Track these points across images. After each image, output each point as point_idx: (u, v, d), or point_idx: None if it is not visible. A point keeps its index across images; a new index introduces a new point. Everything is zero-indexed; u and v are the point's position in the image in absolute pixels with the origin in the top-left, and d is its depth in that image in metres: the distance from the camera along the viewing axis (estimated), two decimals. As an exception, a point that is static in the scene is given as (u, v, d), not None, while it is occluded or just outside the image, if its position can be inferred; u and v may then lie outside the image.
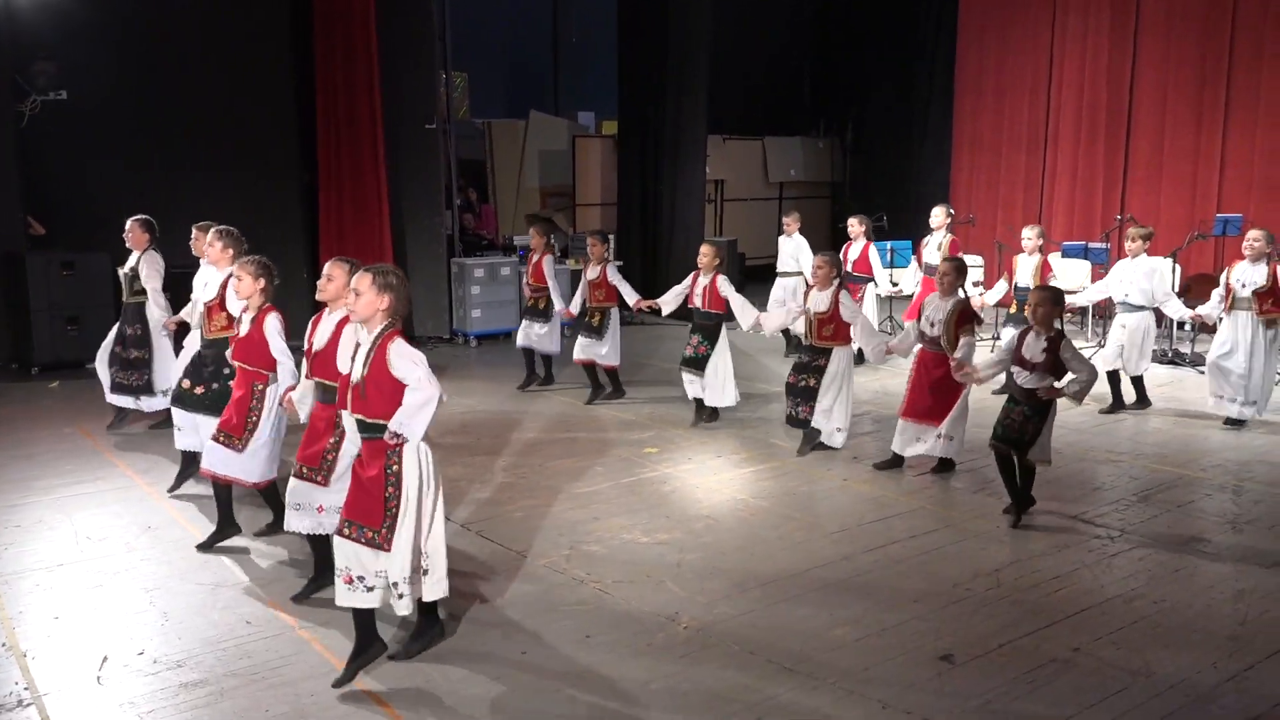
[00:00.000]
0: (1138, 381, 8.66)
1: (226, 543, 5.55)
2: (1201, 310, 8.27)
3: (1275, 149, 11.61)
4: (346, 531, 4.18)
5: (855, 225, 10.42)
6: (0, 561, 5.31)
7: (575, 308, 9.09)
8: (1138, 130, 12.78)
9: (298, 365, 5.21)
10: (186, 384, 6.18)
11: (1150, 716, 3.89)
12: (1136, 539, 5.69)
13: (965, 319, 6.59)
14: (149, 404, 7.73)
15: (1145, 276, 8.47)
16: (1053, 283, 8.90)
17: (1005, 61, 14.11)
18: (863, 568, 5.30)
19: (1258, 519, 6.04)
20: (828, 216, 16.98)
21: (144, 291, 7.54)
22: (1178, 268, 10.04)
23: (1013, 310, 8.93)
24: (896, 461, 7.00)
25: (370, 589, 4.21)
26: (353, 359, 4.28)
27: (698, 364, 8.10)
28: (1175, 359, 10.30)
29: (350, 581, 4.21)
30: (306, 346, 4.84)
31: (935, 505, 6.29)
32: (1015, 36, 13.97)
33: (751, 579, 5.14)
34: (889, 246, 10.85)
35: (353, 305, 4.20)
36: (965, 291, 6.77)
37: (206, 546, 5.52)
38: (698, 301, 8.10)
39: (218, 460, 5.37)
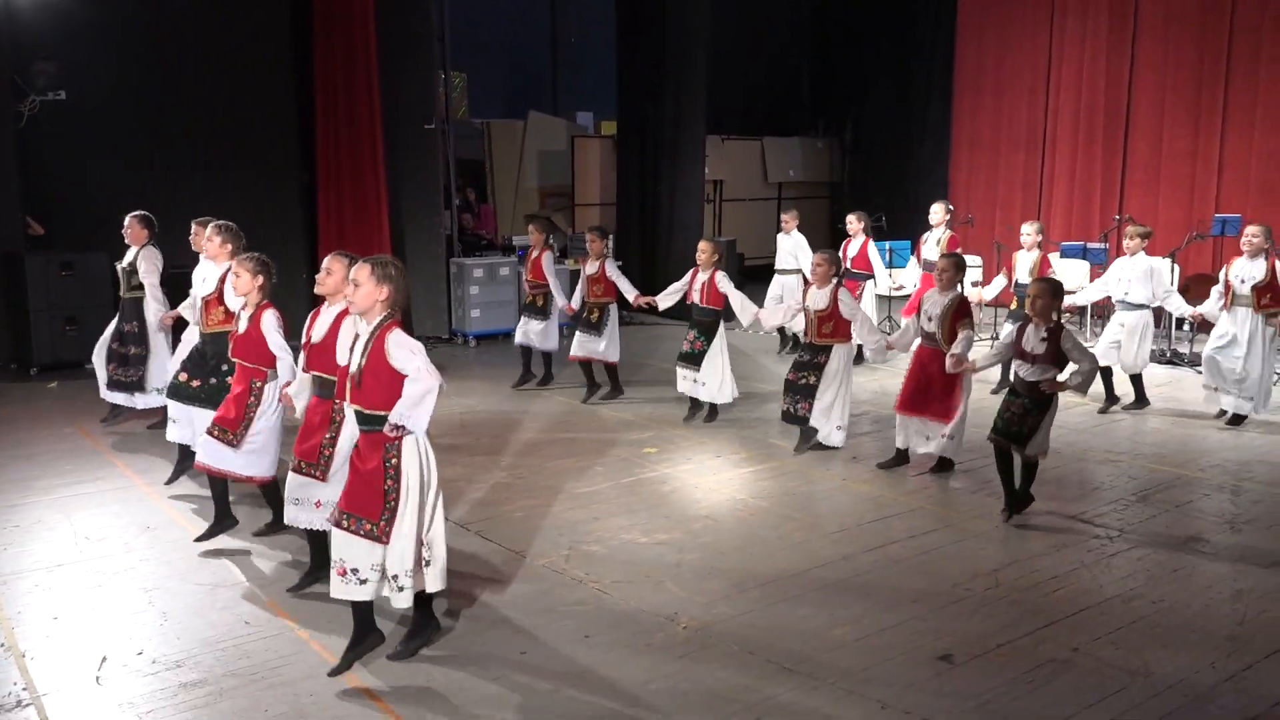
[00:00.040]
0: (1136, 380, 8.66)
1: (226, 544, 5.55)
2: (1202, 309, 8.28)
3: (1273, 151, 11.63)
4: (345, 524, 4.18)
5: (854, 222, 10.43)
6: (-1, 561, 5.32)
7: (576, 303, 9.11)
8: (1136, 132, 12.79)
9: (296, 360, 5.21)
10: (184, 377, 6.20)
11: (1149, 716, 3.89)
12: (1135, 539, 5.70)
13: (962, 313, 6.59)
14: (142, 401, 7.73)
15: (1145, 274, 8.48)
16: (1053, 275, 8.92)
17: (1004, 62, 14.11)
18: (862, 568, 5.31)
19: (1256, 519, 6.05)
20: (827, 216, 16.98)
21: (142, 286, 7.55)
22: (1176, 268, 10.05)
23: (1013, 307, 8.94)
24: (901, 458, 6.98)
25: (363, 582, 4.20)
26: (351, 349, 4.27)
27: (694, 359, 8.10)
28: (1174, 359, 10.31)
29: (344, 574, 4.20)
30: (304, 339, 4.85)
31: (934, 505, 6.29)
32: (1013, 36, 13.98)
33: (751, 579, 5.14)
34: (888, 247, 10.86)
35: (351, 296, 4.20)
36: (963, 287, 6.77)
37: (205, 538, 5.56)
38: (696, 297, 8.11)
39: (213, 454, 5.39)
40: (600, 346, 8.84)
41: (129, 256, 7.62)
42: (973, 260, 10.71)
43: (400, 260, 4.49)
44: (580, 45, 19.65)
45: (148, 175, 10.34)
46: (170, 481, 6.55)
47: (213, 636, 4.49)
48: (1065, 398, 6.11)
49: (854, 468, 7.06)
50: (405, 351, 4.11)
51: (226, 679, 4.13)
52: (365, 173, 11.32)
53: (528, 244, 9.77)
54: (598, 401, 8.92)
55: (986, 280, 11.30)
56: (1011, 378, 6.10)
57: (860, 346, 9.56)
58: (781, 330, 11.30)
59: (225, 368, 5.88)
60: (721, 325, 8.17)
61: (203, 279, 6.41)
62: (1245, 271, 7.84)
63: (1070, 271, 11.28)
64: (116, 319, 7.78)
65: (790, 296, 10.25)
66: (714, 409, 8.27)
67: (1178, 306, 8.61)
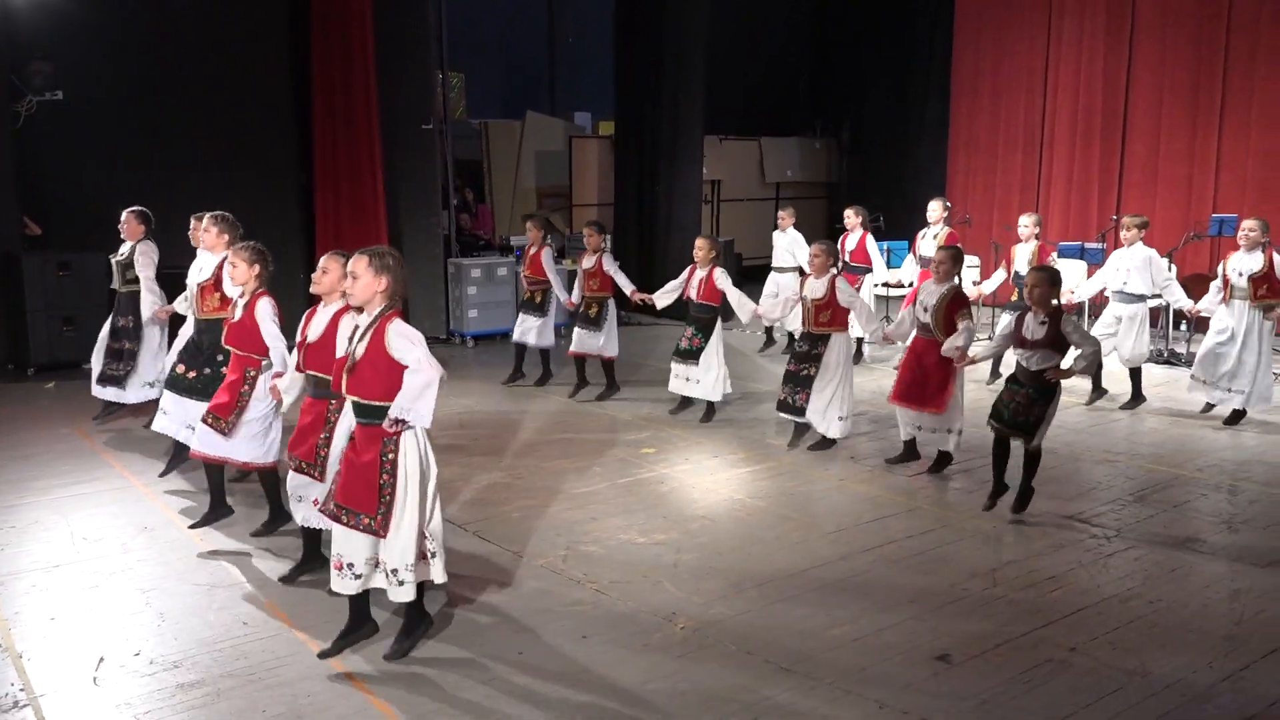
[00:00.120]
0: (1134, 375, 8.65)
1: (223, 544, 5.55)
2: (1200, 304, 8.28)
3: (1270, 150, 11.64)
4: (345, 519, 4.18)
5: (851, 216, 10.45)
6: (-4, 562, 5.31)
7: (575, 296, 9.12)
8: (1133, 132, 12.80)
9: (290, 351, 5.21)
10: (181, 369, 6.21)
11: (1146, 716, 3.89)
12: (1133, 539, 5.70)
13: (959, 305, 6.57)
14: (133, 395, 7.72)
15: (1143, 263, 8.48)
16: (1053, 264, 8.93)
17: (1001, 63, 14.12)
18: (860, 568, 5.31)
19: (1253, 519, 6.05)
20: (825, 217, 16.98)
21: (137, 281, 7.55)
22: (1174, 268, 10.05)
23: (1014, 298, 8.93)
24: (910, 452, 6.94)
25: (358, 576, 4.22)
26: (350, 339, 4.25)
27: (692, 356, 8.11)
28: (1171, 359, 10.32)
29: (340, 568, 4.24)
30: (299, 339, 4.84)
31: (932, 505, 6.30)
32: (1011, 38, 13.98)
33: (748, 579, 5.14)
34: (885, 247, 10.87)
35: (350, 289, 4.18)
36: (961, 282, 6.76)
37: (198, 526, 5.60)
38: (693, 294, 8.12)
39: (207, 441, 5.44)
40: (599, 342, 8.86)
41: (124, 251, 7.63)
42: (971, 260, 10.72)
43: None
44: (578, 45, 19.67)
45: (145, 175, 10.32)
46: (164, 474, 6.58)
47: (210, 637, 4.49)
48: (1064, 397, 6.10)
49: (852, 467, 7.07)
50: (406, 342, 4.10)
51: (224, 679, 4.13)
52: (363, 173, 11.31)
53: (525, 243, 9.77)
54: (593, 400, 8.92)
55: (984, 279, 11.31)
56: (1013, 367, 6.07)
57: (859, 342, 9.56)
58: (769, 330, 11.31)
59: (220, 357, 5.89)
60: (719, 322, 8.17)
61: (199, 269, 6.44)
62: (1243, 265, 7.86)
63: (1068, 272, 11.29)
64: (112, 315, 7.79)
65: (785, 294, 10.25)
66: (711, 408, 8.27)
67: (1177, 297, 8.61)
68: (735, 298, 7.98)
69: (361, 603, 4.35)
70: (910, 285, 10.17)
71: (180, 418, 6.18)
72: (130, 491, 6.46)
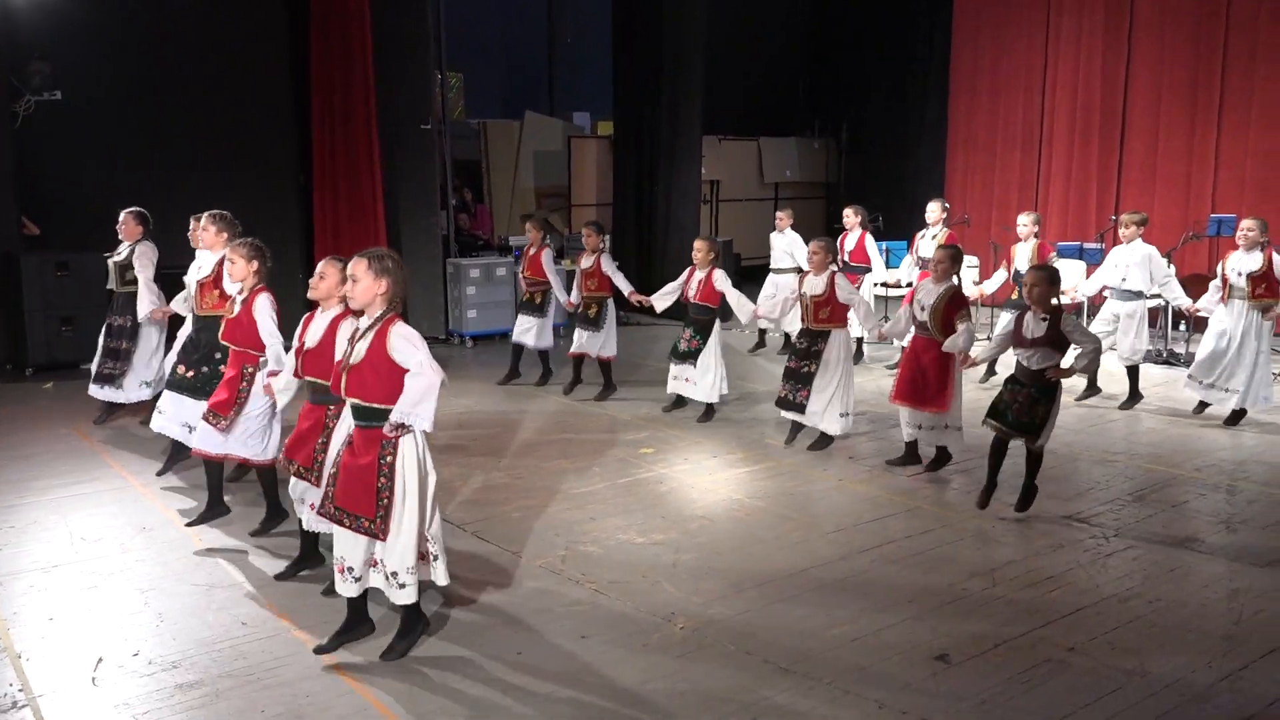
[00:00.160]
0: (1131, 373, 8.65)
1: (221, 544, 5.55)
2: (1200, 304, 8.28)
3: (1269, 149, 11.64)
4: (346, 523, 4.18)
5: (850, 216, 10.45)
6: (-5, 563, 5.31)
7: (574, 297, 9.12)
8: (1132, 131, 12.81)
9: (287, 350, 5.21)
10: (181, 369, 6.21)
11: (1145, 716, 3.89)
12: (1131, 539, 5.70)
13: (958, 305, 6.55)
14: (131, 395, 7.73)
15: (1143, 260, 8.48)
16: (1054, 262, 8.92)
17: (1000, 62, 14.13)
18: (859, 567, 5.31)
19: (1252, 519, 6.05)
20: (823, 217, 16.99)
21: (135, 282, 7.55)
22: (1172, 267, 10.06)
23: (1014, 296, 8.92)
24: (912, 455, 6.92)
25: (357, 579, 4.26)
26: (350, 342, 4.24)
27: (690, 357, 8.11)
28: (1170, 359, 10.32)
29: (343, 571, 4.29)
30: (297, 344, 4.83)
31: (931, 505, 6.30)
32: (1010, 37, 13.99)
33: (748, 579, 5.14)
34: (884, 247, 10.86)
35: (350, 292, 4.18)
36: (960, 279, 6.74)
37: (196, 523, 5.63)
38: (691, 295, 8.12)
39: (208, 440, 5.47)
40: (599, 342, 8.86)
41: (122, 251, 7.63)
42: (970, 260, 10.72)
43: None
44: (577, 45, 19.65)
45: (144, 175, 10.32)
46: (162, 473, 6.60)
47: (209, 637, 4.48)
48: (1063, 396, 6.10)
49: (851, 467, 7.07)
50: (408, 345, 4.09)
51: (223, 680, 4.13)
52: (361, 173, 11.31)
53: (524, 243, 9.77)
54: (592, 400, 8.92)
55: (984, 279, 11.31)
56: (1012, 367, 6.07)
57: (859, 342, 9.57)
58: (762, 332, 11.31)
59: (218, 355, 5.89)
60: (717, 323, 8.17)
61: (198, 267, 6.45)
62: (1241, 264, 7.85)
63: (1067, 271, 11.29)
64: (109, 315, 7.79)
65: (784, 293, 10.24)
66: (710, 409, 8.27)
67: (1176, 295, 8.61)
68: (735, 298, 7.99)
69: (359, 603, 4.38)
70: (909, 285, 10.17)
71: (177, 416, 6.18)
72: (129, 491, 6.45)
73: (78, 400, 8.42)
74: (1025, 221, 9.09)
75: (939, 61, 14.89)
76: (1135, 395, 8.64)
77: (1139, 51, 12.65)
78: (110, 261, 7.75)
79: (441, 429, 7.76)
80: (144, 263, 7.50)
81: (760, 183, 16.93)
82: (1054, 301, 5.75)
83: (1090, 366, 5.80)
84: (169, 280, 7.69)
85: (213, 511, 5.68)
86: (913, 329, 6.91)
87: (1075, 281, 10.00)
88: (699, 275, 8.08)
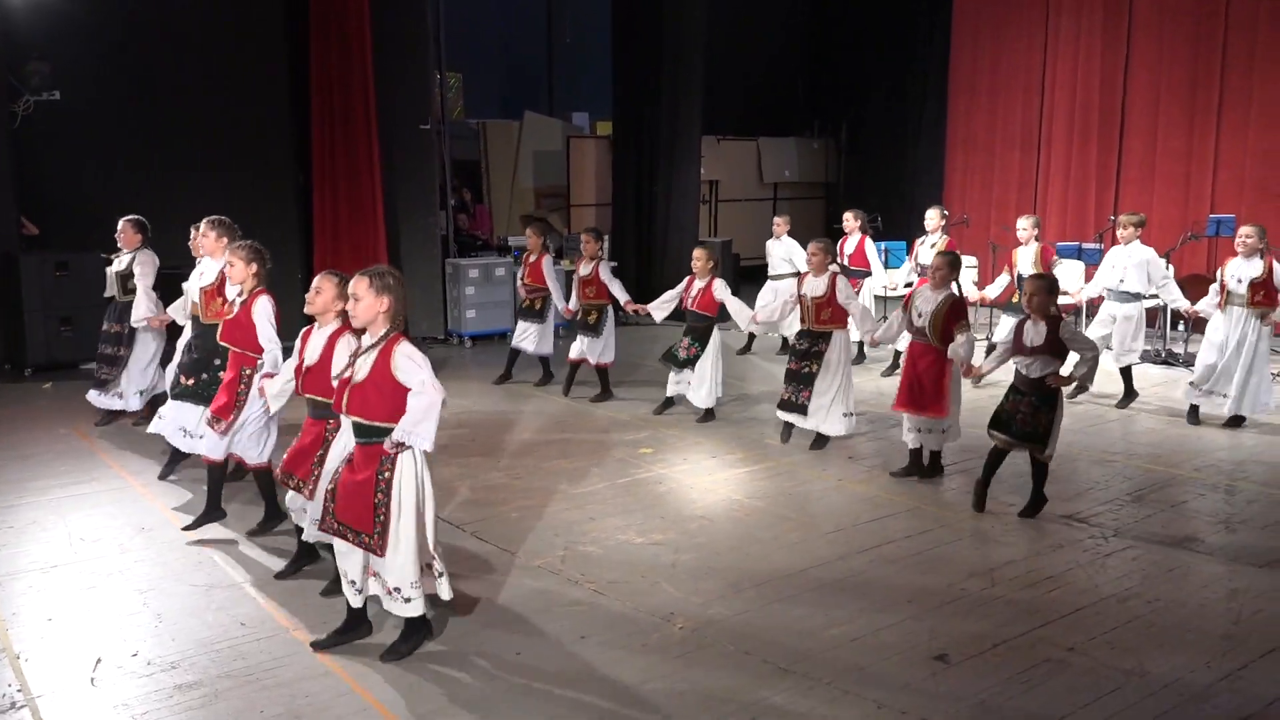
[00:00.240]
0: (1125, 373, 8.66)
1: (220, 545, 5.56)
2: (1199, 305, 8.28)
3: (1268, 150, 11.65)
4: (349, 538, 4.21)
5: (850, 220, 10.45)
6: (-6, 563, 5.31)
7: (573, 304, 9.12)
8: (1131, 131, 12.81)
9: (285, 357, 5.22)
10: (183, 379, 6.21)
11: (1144, 716, 3.90)
12: (1130, 539, 5.70)
13: (957, 313, 6.54)
14: (126, 403, 7.74)
15: (1141, 262, 8.48)
16: (1056, 267, 8.92)
17: (999, 62, 14.13)
18: (858, 568, 5.31)
19: (1251, 519, 6.06)
20: (822, 217, 16.99)
21: (136, 290, 7.55)
22: (1171, 268, 10.07)
23: (1015, 299, 8.92)
24: (916, 464, 6.85)
25: (359, 590, 4.33)
26: (353, 360, 4.25)
27: (689, 364, 8.13)
28: (1169, 359, 10.32)
29: (344, 580, 4.36)
30: (296, 362, 4.84)
31: (930, 505, 6.30)
32: (1009, 37, 13.99)
33: (746, 579, 5.14)
34: (883, 247, 10.87)
35: (353, 310, 4.19)
36: (959, 286, 6.75)
37: (192, 528, 5.63)
38: (690, 304, 8.14)
39: (215, 447, 5.53)
40: (599, 349, 8.87)
41: (123, 261, 7.62)
42: (969, 260, 10.73)
43: (395, 263, 4.50)
44: (576, 46, 19.64)
45: (143, 175, 10.32)
46: (163, 476, 6.60)
47: (208, 638, 4.48)
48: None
49: (850, 467, 7.07)
50: (412, 364, 4.11)
51: (222, 680, 4.13)
52: (361, 173, 11.30)
53: (524, 245, 9.76)
54: (589, 400, 8.92)
55: (983, 280, 11.32)
56: (1013, 376, 6.08)
57: (860, 345, 9.58)
58: (752, 337, 11.28)
59: (218, 361, 5.90)
60: (716, 332, 8.18)
61: (200, 274, 6.44)
62: (1241, 271, 7.85)
63: (1066, 272, 11.30)
64: (105, 320, 7.80)
65: (783, 296, 10.23)
66: (710, 411, 8.27)
67: (1174, 296, 8.62)
68: (734, 306, 8.03)
69: (358, 610, 4.41)
70: (909, 286, 10.17)
71: (175, 421, 6.19)
72: (128, 492, 6.45)
73: (77, 400, 8.42)
74: (1025, 225, 9.09)
75: (938, 62, 14.90)
76: (1130, 394, 8.66)
77: (1138, 51, 12.65)
78: (111, 271, 7.74)
79: (440, 429, 7.73)
80: (144, 271, 7.48)
81: (759, 183, 16.93)
82: (1053, 310, 5.78)
83: (1089, 375, 5.83)
84: (168, 280, 7.69)
85: (210, 515, 5.69)
86: (908, 334, 6.91)
87: (1075, 282, 10.00)
88: (698, 284, 8.09)
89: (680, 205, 13.65)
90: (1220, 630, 4.60)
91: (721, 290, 8.00)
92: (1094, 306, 10.75)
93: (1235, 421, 8.00)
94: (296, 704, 3.96)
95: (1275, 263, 7.76)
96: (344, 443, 4.45)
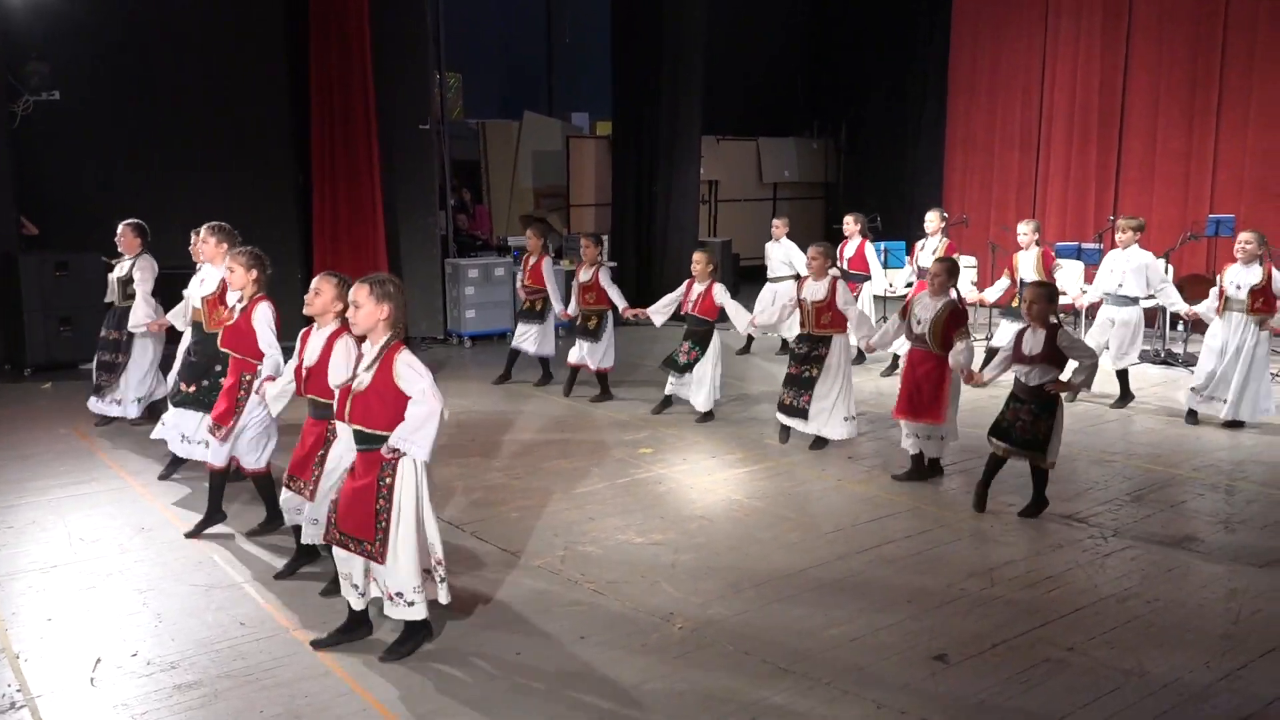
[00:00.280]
0: (1122, 375, 8.68)
1: (220, 545, 5.56)
2: (1197, 307, 8.29)
3: (1267, 150, 11.65)
4: (351, 547, 4.22)
5: (850, 223, 10.44)
6: (-7, 563, 5.31)
7: (572, 309, 9.12)
8: (1130, 131, 12.81)
9: (285, 360, 5.22)
10: (184, 387, 6.21)
11: (1144, 716, 3.90)
12: (1130, 539, 5.71)
13: (956, 320, 6.53)
14: (124, 410, 7.74)
15: (1139, 267, 8.49)
16: (1058, 272, 8.92)
17: (999, 62, 14.14)
18: (857, 568, 5.31)
19: (1250, 519, 6.06)
20: (822, 217, 17.01)
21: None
22: (1170, 268, 10.08)
23: (1014, 304, 8.92)
24: (918, 467, 6.82)
25: (362, 594, 4.35)
26: (355, 369, 4.27)
27: (689, 369, 8.13)
28: (1168, 359, 10.33)
29: (345, 582, 4.37)
30: (297, 362, 4.85)
31: (930, 505, 6.30)
32: (1008, 37, 14.00)
33: (746, 579, 5.14)
34: (883, 247, 10.87)
35: (353, 318, 4.20)
36: (958, 292, 6.74)
37: (194, 534, 5.63)
38: (690, 308, 8.14)
39: (216, 454, 5.54)
40: (598, 355, 8.87)
41: (124, 266, 7.61)
42: (968, 261, 10.72)
43: (395, 264, 4.52)
44: (576, 46, 19.64)
45: (142, 176, 10.33)
46: (164, 477, 6.61)
47: (208, 638, 4.48)
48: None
49: (850, 468, 7.07)
50: (413, 373, 4.12)
51: (221, 680, 4.13)
52: (360, 173, 11.30)
53: (524, 245, 9.76)
54: (589, 400, 8.93)
55: (982, 281, 11.32)
56: (1013, 384, 6.09)
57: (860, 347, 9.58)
58: (751, 337, 11.28)
59: (219, 368, 5.90)
60: (716, 336, 8.18)
61: (201, 280, 6.43)
62: (1240, 278, 7.84)
63: (1066, 273, 11.30)
64: (104, 326, 7.79)
65: (782, 299, 10.23)
66: (710, 412, 8.27)
67: (1173, 300, 8.62)
68: (733, 310, 8.05)
69: (359, 611, 4.41)
70: (909, 286, 10.17)
71: (177, 427, 6.22)
72: (127, 492, 6.45)
73: (77, 401, 8.43)
74: (1025, 230, 9.08)
75: (938, 62, 14.91)
76: (1126, 395, 8.69)
77: (1137, 52, 12.66)
78: (112, 277, 7.74)
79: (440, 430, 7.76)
80: (144, 276, 7.47)
81: (759, 183, 16.94)
82: (1052, 318, 5.79)
83: (1088, 381, 5.85)
84: (167, 281, 7.69)
85: (211, 519, 5.70)
86: (906, 340, 6.90)
87: (1075, 283, 9.99)
88: (698, 288, 8.09)
89: (680, 205, 13.65)
90: (1219, 630, 4.60)
91: (721, 295, 8.01)
92: (1093, 310, 10.78)
93: (1234, 424, 8.00)
94: (296, 704, 3.96)
95: (1275, 270, 7.76)
96: (342, 450, 4.47)
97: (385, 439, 4.13)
